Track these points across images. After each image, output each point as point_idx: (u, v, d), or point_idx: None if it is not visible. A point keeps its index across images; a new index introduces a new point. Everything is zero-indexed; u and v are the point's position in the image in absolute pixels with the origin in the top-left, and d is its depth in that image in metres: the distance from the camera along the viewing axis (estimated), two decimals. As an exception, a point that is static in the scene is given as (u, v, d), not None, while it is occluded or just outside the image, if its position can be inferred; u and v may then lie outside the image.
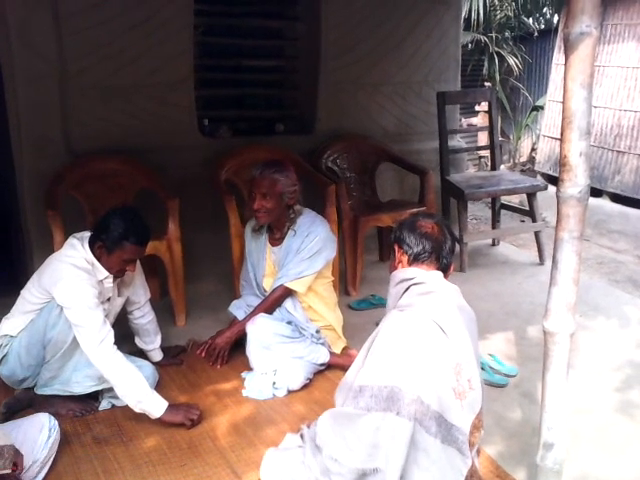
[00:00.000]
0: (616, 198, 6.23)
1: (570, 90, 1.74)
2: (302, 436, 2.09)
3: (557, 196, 1.81)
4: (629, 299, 3.92)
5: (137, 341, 2.89)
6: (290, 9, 4.40)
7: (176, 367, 2.92)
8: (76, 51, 3.44)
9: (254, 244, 3.04)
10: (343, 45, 4.29)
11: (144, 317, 2.84)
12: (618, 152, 6.30)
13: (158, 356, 2.92)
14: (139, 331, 2.87)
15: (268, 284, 2.98)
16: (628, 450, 2.35)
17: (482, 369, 2.82)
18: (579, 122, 1.74)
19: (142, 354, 2.85)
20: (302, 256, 2.82)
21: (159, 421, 2.37)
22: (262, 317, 2.82)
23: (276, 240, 2.96)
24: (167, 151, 3.74)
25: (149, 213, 2.78)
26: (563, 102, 1.77)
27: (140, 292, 2.80)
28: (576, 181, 1.77)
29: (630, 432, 2.46)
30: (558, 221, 1.82)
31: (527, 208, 4.61)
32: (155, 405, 2.35)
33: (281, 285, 2.84)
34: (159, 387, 2.59)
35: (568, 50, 1.73)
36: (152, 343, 2.90)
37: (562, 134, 1.78)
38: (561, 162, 1.79)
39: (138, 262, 2.68)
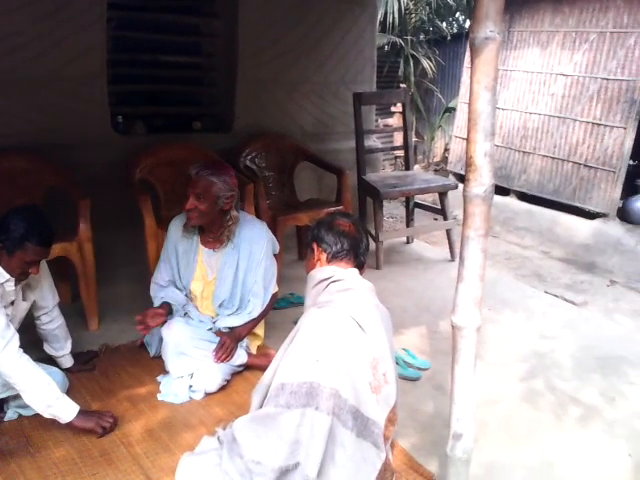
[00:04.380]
0: (522, 196, 6.53)
1: (475, 92, 1.79)
2: (219, 438, 2.08)
3: (463, 195, 1.88)
4: (534, 292, 4.14)
5: (46, 347, 2.76)
6: (207, 6, 4.34)
7: (88, 373, 2.82)
8: (-23, 41, 3.25)
9: (183, 245, 2.88)
10: (260, 43, 4.28)
11: (53, 322, 2.72)
12: (524, 153, 6.61)
13: (69, 362, 2.81)
14: (48, 337, 2.74)
15: (197, 288, 2.88)
16: (532, 437, 2.47)
17: (396, 363, 2.92)
18: (484, 123, 1.79)
19: (52, 361, 2.73)
20: (263, 273, 2.88)
21: (70, 427, 2.29)
22: (178, 321, 2.76)
23: (209, 242, 2.85)
24: (78, 148, 3.60)
25: (59, 213, 2.68)
26: (469, 104, 1.83)
27: (48, 296, 2.67)
28: (481, 181, 1.83)
29: (534, 420, 2.60)
30: (464, 219, 1.88)
31: (439, 207, 4.76)
32: (65, 409, 2.27)
33: (273, 295, 2.95)
34: (69, 394, 2.46)
35: (474, 54, 1.79)
36: (62, 349, 2.78)
37: (468, 135, 1.84)
38: (467, 162, 1.85)
39: (45, 264, 2.57)
